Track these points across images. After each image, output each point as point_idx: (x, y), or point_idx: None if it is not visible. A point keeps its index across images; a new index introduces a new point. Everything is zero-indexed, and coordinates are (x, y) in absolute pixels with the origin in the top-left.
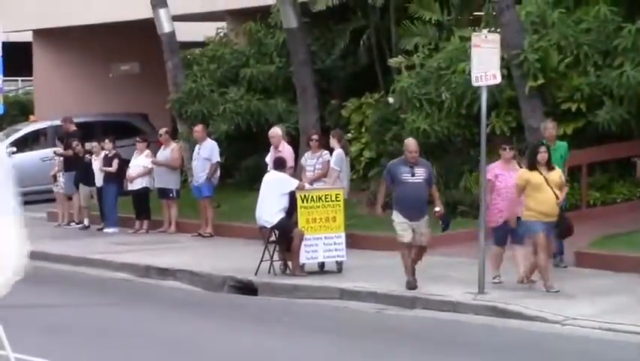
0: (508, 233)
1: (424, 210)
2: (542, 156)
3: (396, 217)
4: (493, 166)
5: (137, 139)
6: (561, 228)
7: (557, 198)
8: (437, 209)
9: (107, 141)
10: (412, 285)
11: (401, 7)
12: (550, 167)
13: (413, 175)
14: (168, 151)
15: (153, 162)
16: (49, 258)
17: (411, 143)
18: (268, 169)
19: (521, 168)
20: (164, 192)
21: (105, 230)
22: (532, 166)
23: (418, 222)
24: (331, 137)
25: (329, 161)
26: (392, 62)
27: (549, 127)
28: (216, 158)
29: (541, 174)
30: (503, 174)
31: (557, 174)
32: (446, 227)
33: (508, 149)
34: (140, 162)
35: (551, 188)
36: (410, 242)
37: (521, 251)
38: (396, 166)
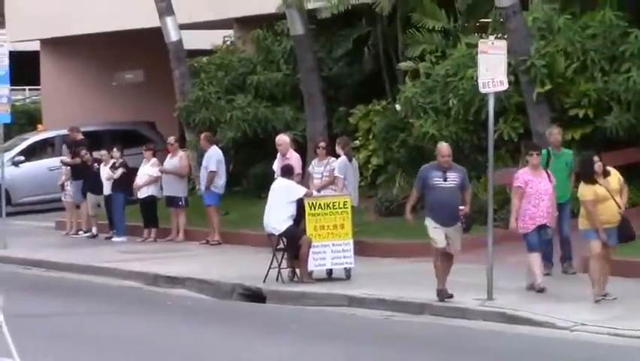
0: (540, 238)
1: (457, 216)
2: (599, 165)
3: (429, 223)
4: (522, 172)
5: (144, 148)
6: (622, 232)
7: (619, 207)
8: (462, 207)
9: (115, 149)
10: (443, 294)
11: (406, 15)
12: (605, 173)
13: (445, 180)
14: (176, 159)
15: (161, 170)
16: (57, 267)
17: (443, 147)
18: (275, 176)
19: (544, 171)
20: (172, 201)
21: (113, 239)
22: (592, 179)
23: (451, 228)
24: (337, 144)
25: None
26: (402, 65)
27: (554, 133)
28: (212, 167)
29: (600, 184)
30: (533, 180)
31: (615, 178)
32: (467, 227)
33: (536, 155)
34: (146, 170)
35: (612, 196)
36: (444, 248)
37: (538, 258)
38: (427, 171)
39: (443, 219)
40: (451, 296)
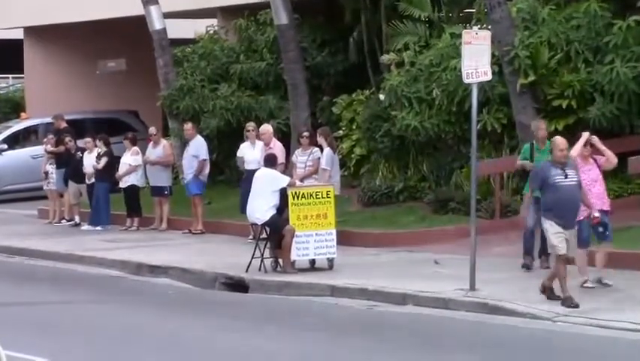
0: (589, 230)
1: (578, 215)
2: None
3: (551, 227)
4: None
5: (124, 137)
6: None
7: None
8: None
9: (99, 140)
10: (571, 302)
11: (391, 4)
12: None
13: (566, 177)
14: (160, 149)
15: (145, 160)
16: (40, 255)
17: (560, 140)
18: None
19: (593, 160)
20: (158, 190)
21: (96, 227)
22: None
23: (570, 231)
24: (318, 135)
25: (319, 158)
26: (384, 59)
27: (542, 127)
28: (203, 155)
29: None
30: (582, 168)
31: None
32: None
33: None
34: (127, 159)
35: None
36: (567, 254)
37: (584, 254)
38: (546, 169)
39: (567, 218)
40: (577, 306)
